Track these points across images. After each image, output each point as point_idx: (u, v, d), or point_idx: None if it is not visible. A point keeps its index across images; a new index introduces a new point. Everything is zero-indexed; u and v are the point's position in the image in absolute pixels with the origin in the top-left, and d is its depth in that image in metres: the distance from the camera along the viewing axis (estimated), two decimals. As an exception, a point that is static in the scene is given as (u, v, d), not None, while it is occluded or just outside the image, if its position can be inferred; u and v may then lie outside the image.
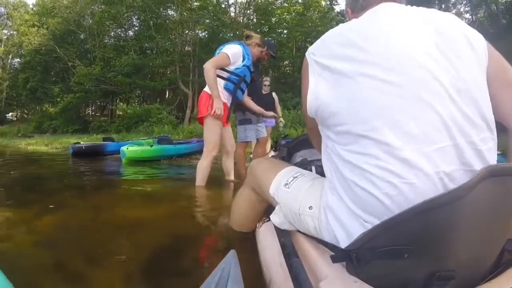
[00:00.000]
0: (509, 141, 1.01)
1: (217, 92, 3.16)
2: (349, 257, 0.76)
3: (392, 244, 0.71)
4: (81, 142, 9.77)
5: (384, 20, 0.95)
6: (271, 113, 4.16)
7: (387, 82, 0.85)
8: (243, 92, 3.56)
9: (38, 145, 14.36)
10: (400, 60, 0.86)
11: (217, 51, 3.46)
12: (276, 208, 1.28)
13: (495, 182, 0.74)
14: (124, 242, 1.77)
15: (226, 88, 3.34)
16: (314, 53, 1.00)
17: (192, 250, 1.72)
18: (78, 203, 2.81)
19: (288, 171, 1.32)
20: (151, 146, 7.29)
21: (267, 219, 1.45)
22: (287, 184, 1.24)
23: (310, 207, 1.08)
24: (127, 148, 6.62)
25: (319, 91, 0.96)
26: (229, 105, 3.43)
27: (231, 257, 0.81)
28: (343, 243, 0.89)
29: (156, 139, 8.52)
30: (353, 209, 0.88)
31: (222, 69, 3.31)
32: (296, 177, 1.25)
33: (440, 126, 0.82)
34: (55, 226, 2.05)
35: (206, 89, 3.38)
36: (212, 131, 3.34)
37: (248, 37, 3.62)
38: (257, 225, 1.54)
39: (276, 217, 1.27)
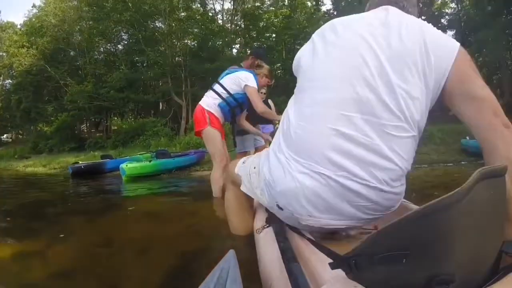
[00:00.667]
0: (484, 157, 1.10)
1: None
2: (348, 264, 0.77)
3: (390, 250, 0.72)
4: (80, 162, 9.77)
5: (365, 18, 1.25)
6: (266, 136, 4.28)
7: (335, 60, 1.19)
8: (235, 115, 3.68)
9: (36, 166, 14.32)
10: (351, 49, 1.16)
11: (225, 74, 3.63)
12: (242, 180, 1.63)
13: (488, 184, 0.77)
14: (134, 266, 1.85)
15: (220, 106, 3.45)
16: (316, 32, 1.33)
17: (196, 261, 1.82)
18: (86, 229, 2.83)
19: (247, 157, 1.79)
20: (150, 161, 7.33)
21: (267, 225, 1.49)
22: (244, 162, 1.70)
23: (254, 167, 1.48)
24: (127, 165, 6.64)
25: (302, 55, 1.34)
26: (222, 122, 3.51)
27: (230, 257, 0.82)
28: (267, 175, 1.28)
29: (154, 153, 8.55)
30: (281, 142, 1.25)
31: (225, 89, 3.44)
32: (250, 157, 1.73)
33: (353, 101, 1.09)
34: (68, 256, 2.08)
35: (201, 102, 3.53)
36: (214, 142, 3.43)
37: (259, 66, 3.78)
38: (256, 231, 1.56)
39: (243, 186, 1.61)
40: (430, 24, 1.18)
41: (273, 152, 1.28)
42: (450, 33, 28.17)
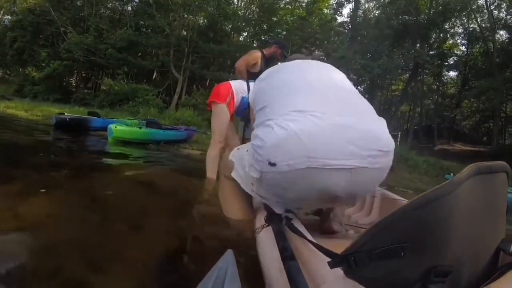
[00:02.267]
0: None
1: None
2: (347, 262, 0.77)
3: (388, 244, 0.73)
4: (66, 114, 9.39)
5: (299, 64, 1.75)
6: None
7: (290, 72, 1.62)
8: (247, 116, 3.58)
9: (17, 109, 13.80)
10: (296, 67, 1.68)
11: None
12: (234, 166, 1.68)
13: (483, 179, 0.80)
14: (123, 239, 1.65)
15: (243, 99, 3.43)
16: (263, 74, 1.77)
17: (191, 250, 1.68)
18: (71, 188, 2.49)
19: (242, 145, 1.94)
20: (140, 128, 7.12)
21: (266, 225, 1.47)
22: (239, 148, 1.80)
23: (247, 150, 1.55)
24: (116, 127, 6.37)
25: (254, 91, 1.70)
26: (236, 106, 3.43)
27: (228, 256, 0.83)
28: (256, 142, 1.29)
29: (144, 122, 8.31)
30: (264, 117, 1.35)
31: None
32: (246, 144, 1.81)
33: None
34: (48, 218, 1.78)
35: (232, 82, 3.49)
36: (221, 120, 3.36)
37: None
38: (257, 230, 1.53)
39: (235, 173, 1.67)
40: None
41: (260, 126, 1.35)
42: (454, 74, 28.79)
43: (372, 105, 1.42)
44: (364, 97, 1.51)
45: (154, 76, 28.30)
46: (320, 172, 1.19)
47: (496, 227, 0.91)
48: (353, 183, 1.23)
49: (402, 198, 1.80)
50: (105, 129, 6.71)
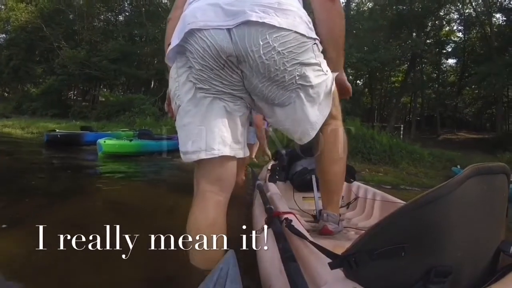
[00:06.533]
0: None
1: None
2: (348, 262, 0.77)
3: (388, 244, 0.72)
4: (57, 130, 9.32)
5: None
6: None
7: None
8: None
9: (14, 127, 14.02)
10: None
11: None
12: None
13: (482, 180, 0.78)
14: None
15: None
16: None
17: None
18: (45, 216, 2.29)
19: None
20: (131, 140, 7.01)
21: (267, 226, 1.46)
22: None
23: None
24: (104, 141, 6.29)
25: None
26: None
27: (230, 257, 0.82)
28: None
29: (137, 133, 8.20)
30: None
31: None
32: None
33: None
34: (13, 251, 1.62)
35: None
36: None
37: None
38: (257, 232, 1.54)
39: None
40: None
41: None
42: (453, 61, 28.55)
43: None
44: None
45: (152, 85, 28.29)
46: (206, 33, 1.21)
47: (496, 228, 0.90)
48: (241, 41, 1.20)
49: (402, 201, 1.80)
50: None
